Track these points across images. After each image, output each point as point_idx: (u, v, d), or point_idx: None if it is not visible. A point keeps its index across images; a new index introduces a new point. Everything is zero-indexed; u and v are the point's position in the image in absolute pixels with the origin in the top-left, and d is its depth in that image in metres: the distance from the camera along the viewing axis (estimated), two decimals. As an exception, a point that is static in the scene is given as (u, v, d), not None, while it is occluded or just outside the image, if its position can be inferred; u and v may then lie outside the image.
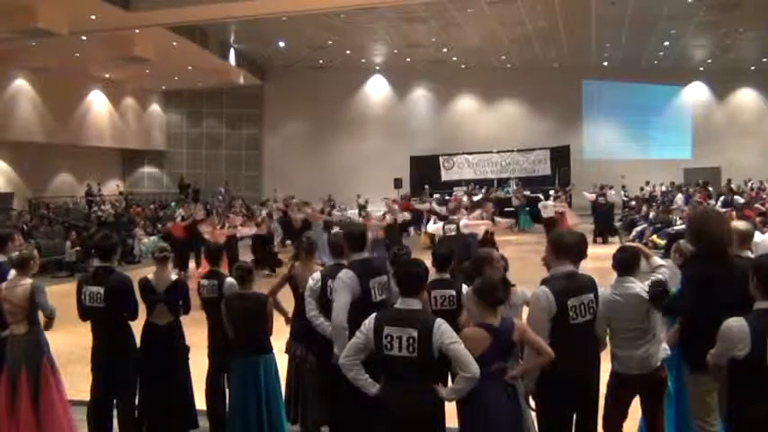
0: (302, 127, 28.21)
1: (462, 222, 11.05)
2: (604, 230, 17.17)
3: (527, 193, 22.03)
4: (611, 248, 4.28)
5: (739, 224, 4.62)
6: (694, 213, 4.30)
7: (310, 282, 4.37)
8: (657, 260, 4.16)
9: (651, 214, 17.70)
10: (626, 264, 3.91)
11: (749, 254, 4.23)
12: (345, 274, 4.00)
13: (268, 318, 4.52)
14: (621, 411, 3.96)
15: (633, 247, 4.11)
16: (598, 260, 5.02)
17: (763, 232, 7.26)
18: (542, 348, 3.46)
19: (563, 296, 3.60)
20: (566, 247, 3.77)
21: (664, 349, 3.90)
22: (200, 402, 5.04)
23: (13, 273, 4.80)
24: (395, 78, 27.86)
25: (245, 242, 14.35)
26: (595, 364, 3.79)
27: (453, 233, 10.32)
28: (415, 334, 3.16)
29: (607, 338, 3.92)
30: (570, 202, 19.82)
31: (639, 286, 3.81)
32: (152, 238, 17.74)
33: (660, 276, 3.85)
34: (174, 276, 5.00)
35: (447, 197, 22.47)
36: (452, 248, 5.14)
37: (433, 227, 11.42)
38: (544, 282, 3.70)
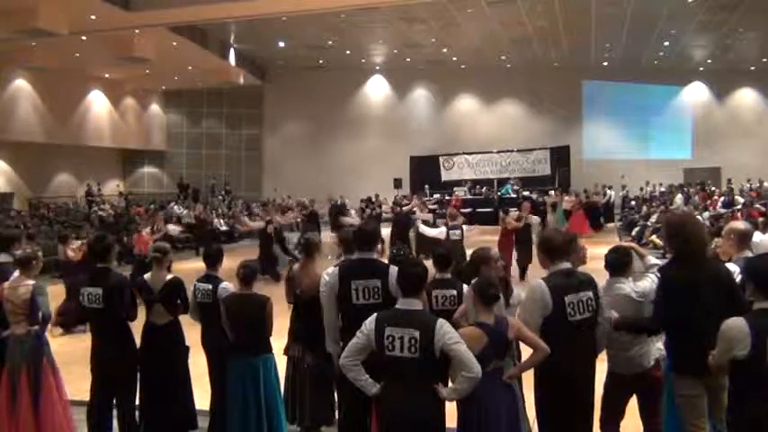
0: (302, 127, 28.20)
1: (420, 226, 11.71)
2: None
3: (526, 193, 22.12)
4: (605, 248, 4.29)
5: (738, 224, 4.62)
6: (672, 218, 4.30)
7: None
8: (651, 259, 4.16)
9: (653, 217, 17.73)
10: (617, 265, 3.92)
11: (749, 254, 4.23)
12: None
13: (268, 318, 4.51)
14: (618, 411, 3.98)
15: (625, 248, 4.12)
16: (593, 260, 5.02)
17: (764, 232, 7.26)
18: (537, 344, 3.48)
19: (560, 292, 3.60)
20: (557, 247, 3.79)
21: (658, 349, 3.90)
22: (200, 402, 5.05)
23: (16, 273, 4.81)
24: (395, 78, 27.85)
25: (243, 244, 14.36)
26: (594, 363, 3.79)
27: None
28: (417, 334, 3.16)
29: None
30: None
31: (629, 287, 3.81)
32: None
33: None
34: (169, 276, 4.99)
35: (447, 197, 22.53)
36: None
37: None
38: (542, 279, 3.71)
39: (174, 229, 13.69)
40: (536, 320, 3.59)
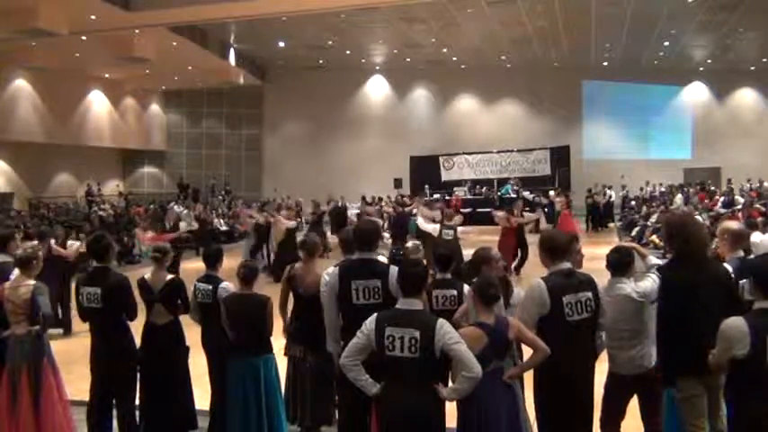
0: (302, 127, 28.19)
1: (419, 220, 12.02)
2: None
3: (526, 193, 22.15)
4: (606, 248, 4.29)
5: (731, 224, 4.62)
6: (672, 218, 4.29)
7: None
8: (653, 259, 4.17)
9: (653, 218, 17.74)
10: (619, 265, 3.92)
11: (742, 254, 4.24)
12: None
13: (268, 318, 4.50)
14: (618, 411, 3.98)
15: (626, 248, 4.12)
16: (593, 260, 5.02)
17: (764, 232, 7.27)
18: (537, 345, 3.48)
19: (558, 292, 3.61)
20: (558, 247, 3.81)
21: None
22: (200, 402, 5.05)
23: (16, 272, 4.80)
24: (395, 78, 27.85)
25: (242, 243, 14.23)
26: (593, 363, 3.80)
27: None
28: (417, 334, 3.16)
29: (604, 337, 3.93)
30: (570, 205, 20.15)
31: (631, 287, 3.82)
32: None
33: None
34: (169, 276, 4.98)
35: (447, 197, 22.52)
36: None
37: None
38: (542, 278, 3.72)
39: (187, 229, 13.56)
40: (533, 318, 3.61)
